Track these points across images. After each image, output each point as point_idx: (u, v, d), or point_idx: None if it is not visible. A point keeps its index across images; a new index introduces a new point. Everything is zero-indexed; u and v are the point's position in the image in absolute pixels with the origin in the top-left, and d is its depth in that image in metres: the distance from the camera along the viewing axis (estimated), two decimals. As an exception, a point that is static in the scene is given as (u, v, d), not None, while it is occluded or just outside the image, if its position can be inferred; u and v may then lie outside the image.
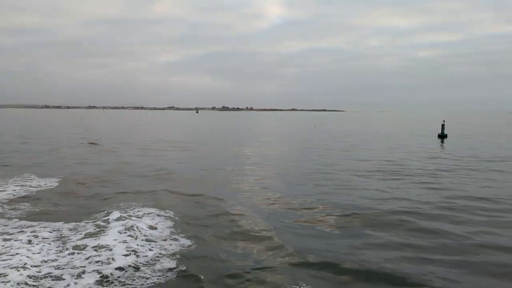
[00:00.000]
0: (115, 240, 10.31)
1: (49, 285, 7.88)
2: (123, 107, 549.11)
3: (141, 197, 15.53)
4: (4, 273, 8.04)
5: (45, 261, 9.01)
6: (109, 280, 8.17)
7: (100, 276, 8.27)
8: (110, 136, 48.82)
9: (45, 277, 8.17)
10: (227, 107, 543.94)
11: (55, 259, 9.16)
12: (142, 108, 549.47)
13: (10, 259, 8.87)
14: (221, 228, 11.83)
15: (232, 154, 31.36)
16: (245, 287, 8.03)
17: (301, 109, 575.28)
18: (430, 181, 19.08)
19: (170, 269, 8.77)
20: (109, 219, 12.05)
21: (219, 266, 9.08)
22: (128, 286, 7.99)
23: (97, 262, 8.93)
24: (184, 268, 8.84)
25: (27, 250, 9.57)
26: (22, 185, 17.44)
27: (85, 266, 8.71)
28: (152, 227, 11.60)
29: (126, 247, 9.85)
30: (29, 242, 10.25)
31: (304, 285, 7.92)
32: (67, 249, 9.80)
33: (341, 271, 8.70)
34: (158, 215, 12.92)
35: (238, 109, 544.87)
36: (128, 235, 10.71)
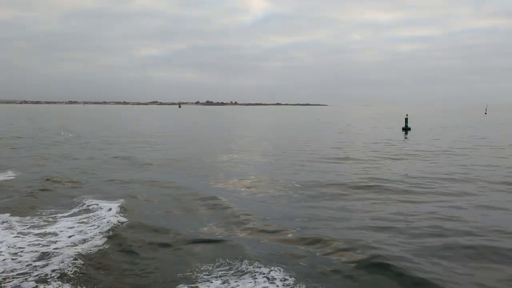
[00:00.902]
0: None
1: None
2: (105, 102, 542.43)
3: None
4: None
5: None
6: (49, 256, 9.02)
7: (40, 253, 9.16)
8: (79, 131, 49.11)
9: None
10: (212, 102, 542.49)
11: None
12: (124, 103, 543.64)
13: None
14: (168, 205, 13.06)
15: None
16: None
17: (286, 103, 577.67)
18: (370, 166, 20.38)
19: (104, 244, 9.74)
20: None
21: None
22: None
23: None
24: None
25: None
26: None
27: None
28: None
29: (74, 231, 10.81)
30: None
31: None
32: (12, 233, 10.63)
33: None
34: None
35: (222, 103, 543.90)
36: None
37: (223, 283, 7.60)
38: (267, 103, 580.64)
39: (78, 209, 12.97)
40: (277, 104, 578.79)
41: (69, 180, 17.67)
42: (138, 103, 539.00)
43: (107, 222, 11.34)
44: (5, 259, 8.78)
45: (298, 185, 16.22)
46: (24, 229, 10.90)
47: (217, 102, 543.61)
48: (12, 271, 8.21)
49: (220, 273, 8.08)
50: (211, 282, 7.65)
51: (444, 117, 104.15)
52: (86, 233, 10.68)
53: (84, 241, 10.07)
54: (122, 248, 9.63)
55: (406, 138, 39.81)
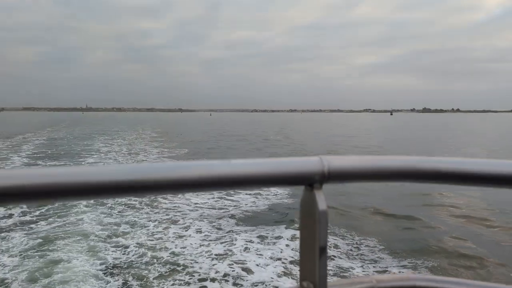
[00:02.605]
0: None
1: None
2: (320, 110, 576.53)
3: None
4: None
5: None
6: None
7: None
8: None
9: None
10: (429, 109, 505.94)
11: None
12: (338, 110, 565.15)
13: None
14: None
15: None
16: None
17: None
18: None
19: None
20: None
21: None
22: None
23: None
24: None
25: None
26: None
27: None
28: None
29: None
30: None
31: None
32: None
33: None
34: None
35: (441, 110, 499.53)
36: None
37: None
38: (499, 110, 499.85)
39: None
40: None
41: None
42: (351, 111, 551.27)
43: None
44: None
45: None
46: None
47: (436, 109, 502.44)
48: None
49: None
50: None
51: None
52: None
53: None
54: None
55: None
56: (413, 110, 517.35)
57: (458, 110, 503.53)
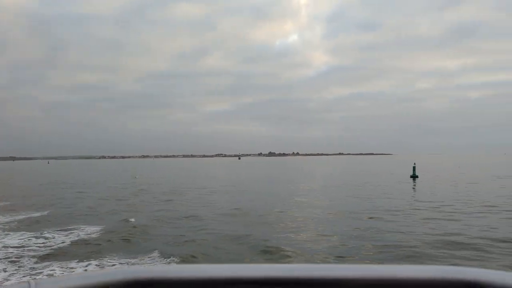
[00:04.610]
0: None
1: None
2: (173, 155, 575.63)
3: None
4: None
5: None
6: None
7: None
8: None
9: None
10: (274, 153, 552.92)
11: None
12: (191, 156, 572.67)
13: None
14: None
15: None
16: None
17: (347, 153, 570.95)
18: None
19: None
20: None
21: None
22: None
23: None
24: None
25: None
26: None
27: None
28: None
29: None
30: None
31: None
32: None
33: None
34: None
35: (284, 154, 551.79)
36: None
37: None
38: (329, 153, 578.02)
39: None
40: (339, 154, 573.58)
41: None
42: (204, 156, 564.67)
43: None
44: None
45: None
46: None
47: (279, 153, 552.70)
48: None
49: None
50: None
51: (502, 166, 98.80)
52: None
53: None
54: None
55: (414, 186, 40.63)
56: (260, 154, 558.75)
57: (297, 154, 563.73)
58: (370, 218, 18.47)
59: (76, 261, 11.46)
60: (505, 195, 27.52)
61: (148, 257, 11.82)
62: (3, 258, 11.77)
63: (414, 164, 50.74)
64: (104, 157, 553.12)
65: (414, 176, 47.76)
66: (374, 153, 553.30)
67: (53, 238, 14.79)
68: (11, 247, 13.28)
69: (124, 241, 14.13)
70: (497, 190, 31.60)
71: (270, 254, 12.13)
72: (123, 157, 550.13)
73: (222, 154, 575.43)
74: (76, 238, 14.75)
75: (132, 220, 18.50)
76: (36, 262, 11.38)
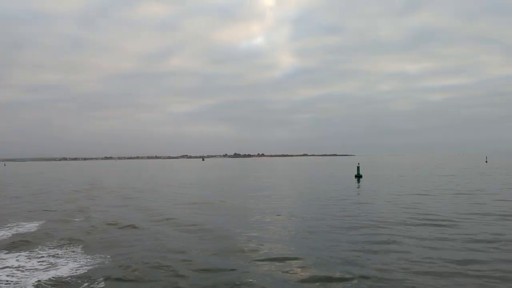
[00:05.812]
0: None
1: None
2: (138, 157, 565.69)
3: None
4: None
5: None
6: None
7: None
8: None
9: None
10: (239, 154, 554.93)
11: None
12: (156, 157, 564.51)
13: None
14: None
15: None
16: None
17: (312, 154, 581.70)
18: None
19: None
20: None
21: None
22: None
23: None
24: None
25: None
26: None
27: None
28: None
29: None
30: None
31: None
32: None
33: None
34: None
35: (249, 155, 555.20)
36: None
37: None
38: (294, 154, 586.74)
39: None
40: (304, 155, 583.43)
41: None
42: (169, 157, 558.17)
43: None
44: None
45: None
46: None
47: (244, 154, 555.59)
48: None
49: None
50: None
51: (452, 162, 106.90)
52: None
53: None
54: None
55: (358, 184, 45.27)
56: (225, 155, 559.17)
57: (262, 155, 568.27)
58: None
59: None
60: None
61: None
62: None
63: (358, 164, 55.53)
64: (65, 158, 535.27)
65: (358, 176, 52.61)
66: (338, 154, 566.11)
67: None
68: None
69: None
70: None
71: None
72: (85, 159, 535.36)
73: (187, 156, 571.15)
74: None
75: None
76: None
